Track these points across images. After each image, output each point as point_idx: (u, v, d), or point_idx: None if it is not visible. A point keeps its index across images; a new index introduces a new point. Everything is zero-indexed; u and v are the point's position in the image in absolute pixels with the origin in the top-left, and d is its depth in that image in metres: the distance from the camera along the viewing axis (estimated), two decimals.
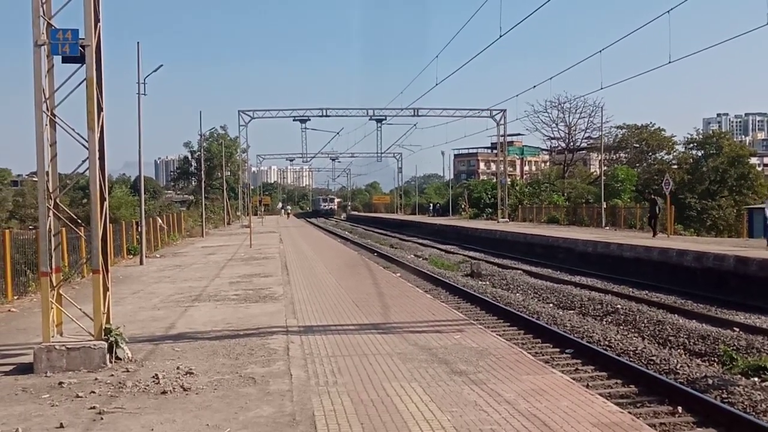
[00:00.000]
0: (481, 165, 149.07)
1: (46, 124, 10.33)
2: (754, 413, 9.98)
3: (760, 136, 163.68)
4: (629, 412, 8.14)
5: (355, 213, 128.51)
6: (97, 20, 10.26)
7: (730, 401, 10.56)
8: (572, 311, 19.18)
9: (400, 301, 16.59)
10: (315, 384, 8.78)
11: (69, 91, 10.61)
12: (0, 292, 17.20)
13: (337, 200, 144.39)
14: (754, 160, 67.56)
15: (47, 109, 10.36)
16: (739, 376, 12.12)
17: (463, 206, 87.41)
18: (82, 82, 10.33)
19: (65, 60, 10.32)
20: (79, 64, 10.31)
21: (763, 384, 11.61)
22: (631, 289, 22.49)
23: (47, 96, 10.34)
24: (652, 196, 41.64)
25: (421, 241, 52.80)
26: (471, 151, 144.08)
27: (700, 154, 61.38)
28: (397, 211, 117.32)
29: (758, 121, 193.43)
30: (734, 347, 13.84)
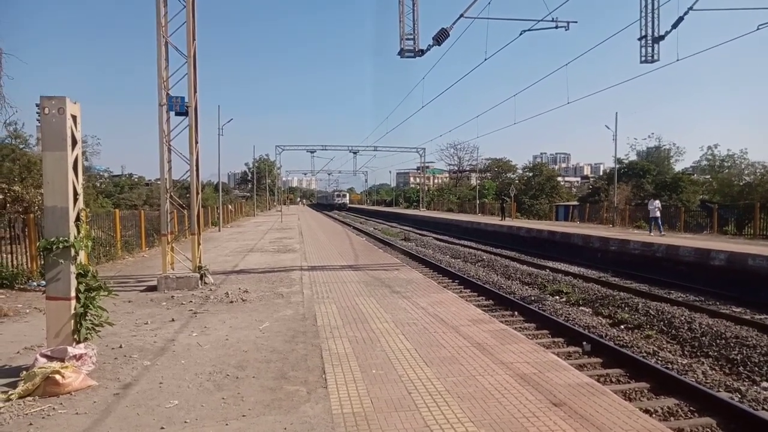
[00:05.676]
0: (411, 179, 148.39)
1: (166, 150, 10.11)
2: (555, 315, 10.29)
3: (563, 165, 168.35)
4: (488, 314, 8.30)
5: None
6: (195, 91, 10.05)
7: (543, 308, 10.85)
8: (459, 260, 19.38)
9: (364, 253, 16.60)
10: (316, 298, 8.76)
11: (179, 132, 10.39)
12: (138, 245, 16.79)
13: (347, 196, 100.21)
14: (559, 179, 68.57)
15: (166, 142, 10.13)
16: (549, 295, 12.45)
17: (401, 201, 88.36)
18: (186, 126, 10.13)
19: (177, 114, 10.10)
20: (185, 116, 10.11)
21: (561, 300, 11.97)
22: (490, 248, 22.75)
23: (166, 134, 10.11)
24: (502, 197, 42.16)
25: (377, 220, 52.66)
26: (406, 170, 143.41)
27: (531, 174, 61.99)
28: (364, 204, 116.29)
29: (561, 157, 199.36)
30: (546, 280, 14.18)
